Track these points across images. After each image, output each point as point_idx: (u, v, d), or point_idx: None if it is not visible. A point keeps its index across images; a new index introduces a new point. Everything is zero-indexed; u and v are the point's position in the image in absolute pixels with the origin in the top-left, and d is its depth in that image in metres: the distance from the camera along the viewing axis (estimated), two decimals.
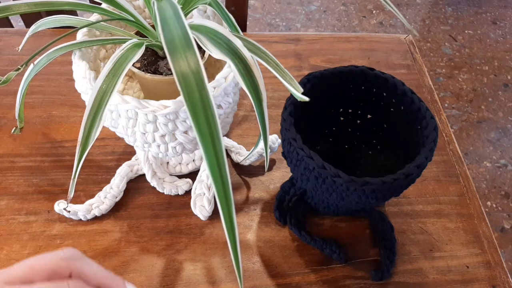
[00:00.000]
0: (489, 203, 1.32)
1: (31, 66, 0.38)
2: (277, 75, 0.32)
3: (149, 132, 0.39)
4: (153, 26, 0.42)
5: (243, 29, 0.80)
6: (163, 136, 0.40)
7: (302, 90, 0.30)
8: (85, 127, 0.32)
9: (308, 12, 1.93)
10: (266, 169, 0.54)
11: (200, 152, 0.36)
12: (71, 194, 0.34)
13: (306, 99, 0.29)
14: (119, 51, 0.35)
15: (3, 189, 0.50)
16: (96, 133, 0.32)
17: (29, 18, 0.78)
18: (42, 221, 0.48)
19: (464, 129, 1.50)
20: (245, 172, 0.54)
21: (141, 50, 0.35)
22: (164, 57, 0.43)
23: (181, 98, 0.29)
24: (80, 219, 0.48)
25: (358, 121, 0.50)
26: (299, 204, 0.49)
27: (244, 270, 0.45)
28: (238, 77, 0.32)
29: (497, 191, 1.35)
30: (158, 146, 0.41)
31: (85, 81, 0.39)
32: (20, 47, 0.40)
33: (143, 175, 0.51)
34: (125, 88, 0.50)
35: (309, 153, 0.37)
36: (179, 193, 0.50)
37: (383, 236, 0.47)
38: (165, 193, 0.50)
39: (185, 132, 0.40)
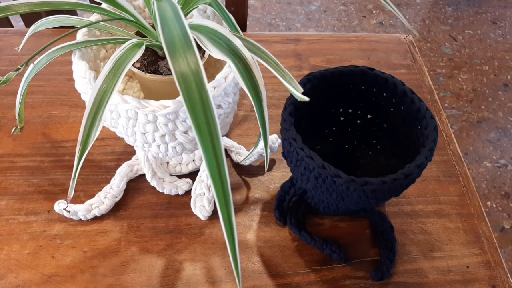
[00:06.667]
0: (489, 203, 1.32)
1: (31, 66, 0.38)
2: (277, 75, 0.32)
3: (149, 132, 0.39)
4: (153, 26, 0.42)
5: (243, 29, 0.80)
6: (163, 136, 0.40)
7: (302, 90, 0.30)
8: (85, 127, 0.32)
9: (308, 12, 1.93)
10: (266, 169, 0.54)
11: (200, 152, 0.36)
12: (71, 194, 0.34)
13: (306, 99, 0.29)
14: (119, 51, 0.35)
15: (3, 189, 0.50)
16: (96, 133, 0.32)
17: (29, 18, 0.78)
18: (42, 221, 0.48)
19: (464, 129, 1.50)
20: (245, 172, 0.54)
21: (141, 50, 0.35)
22: (164, 57, 0.43)
23: (180, 98, 0.29)
24: (80, 219, 0.48)
25: (358, 121, 0.50)
26: (299, 204, 0.49)
27: (244, 270, 0.46)
28: (238, 77, 0.32)
29: (497, 191, 1.35)
30: (158, 146, 0.41)
31: (85, 81, 0.39)
32: (20, 47, 0.40)
33: (143, 175, 0.51)
34: (125, 88, 0.50)
35: (309, 153, 0.37)
36: (179, 193, 0.50)
37: (383, 236, 0.47)
38: (165, 193, 0.50)
39: (185, 132, 0.40)
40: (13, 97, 0.59)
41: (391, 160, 0.48)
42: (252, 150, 0.46)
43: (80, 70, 0.39)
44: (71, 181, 0.33)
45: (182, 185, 0.50)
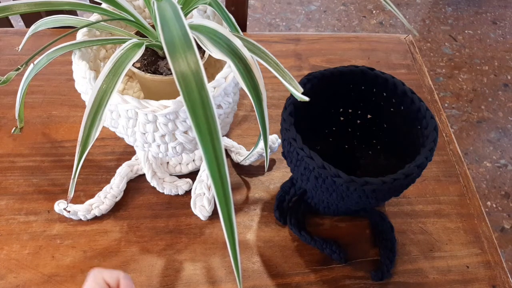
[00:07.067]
0: (489, 203, 1.32)
1: (31, 66, 0.38)
2: (277, 75, 0.32)
3: (149, 132, 0.39)
4: (153, 26, 0.42)
5: (243, 29, 0.80)
6: (163, 136, 0.40)
7: (302, 90, 0.30)
8: (85, 127, 0.32)
9: (308, 12, 1.93)
10: (266, 169, 0.54)
11: (200, 152, 0.36)
12: (71, 194, 0.34)
13: (306, 99, 0.29)
14: (119, 51, 0.35)
15: (3, 189, 0.50)
16: (96, 133, 0.32)
17: (29, 18, 0.78)
18: (42, 221, 0.48)
19: (464, 129, 1.50)
20: (245, 172, 0.54)
21: (141, 50, 0.35)
22: (164, 57, 0.43)
23: (180, 98, 0.29)
24: (80, 219, 0.48)
25: (358, 121, 0.50)
26: (299, 204, 0.49)
27: (244, 270, 0.45)
28: (238, 77, 0.32)
29: (497, 191, 1.35)
30: (158, 146, 0.41)
31: (85, 81, 0.39)
32: (20, 47, 0.40)
33: (143, 175, 0.51)
34: (125, 88, 0.50)
35: (309, 153, 0.37)
36: (179, 193, 0.50)
37: (383, 236, 0.47)
38: (165, 193, 0.50)
39: (185, 132, 0.40)
40: (13, 97, 0.59)
41: (391, 160, 0.48)
42: (252, 150, 0.46)
43: (80, 70, 0.39)
44: (71, 181, 0.33)
45: (182, 185, 0.50)
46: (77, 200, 0.49)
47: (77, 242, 0.46)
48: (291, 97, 0.41)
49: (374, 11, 1.95)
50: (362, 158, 0.51)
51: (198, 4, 0.40)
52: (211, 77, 0.48)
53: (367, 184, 0.36)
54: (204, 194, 0.49)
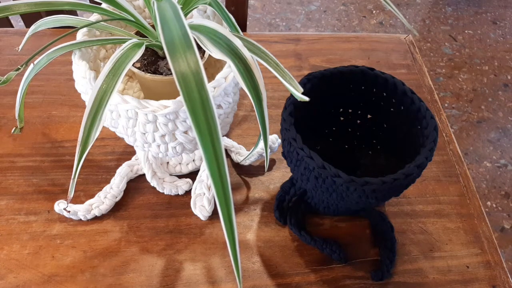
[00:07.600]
0: (489, 203, 1.32)
1: (31, 66, 0.38)
2: (277, 75, 0.32)
3: (149, 132, 0.39)
4: (153, 26, 0.42)
5: (243, 29, 0.80)
6: (163, 136, 0.40)
7: (302, 90, 0.30)
8: (85, 127, 0.32)
9: (308, 12, 1.93)
10: (266, 169, 0.54)
11: (200, 152, 0.36)
12: (71, 194, 0.34)
13: (306, 99, 0.29)
14: (119, 51, 0.35)
15: (3, 189, 0.50)
16: (96, 133, 0.32)
17: (29, 18, 0.78)
18: (42, 221, 0.48)
19: (464, 129, 1.50)
20: (245, 172, 0.54)
21: (141, 50, 0.35)
22: (164, 57, 0.43)
23: (180, 98, 0.29)
24: (80, 219, 0.48)
25: (358, 121, 0.50)
26: (299, 204, 0.49)
27: (244, 270, 0.46)
28: (238, 77, 0.32)
29: (497, 191, 1.35)
30: (158, 146, 0.41)
31: (85, 81, 0.39)
32: (20, 47, 0.40)
33: (143, 175, 0.51)
34: (125, 88, 0.50)
35: (309, 153, 0.37)
36: (179, 193, 0.50)
37: (383, 236, 0.47)
38: (165, 193, 0.50)
39: (185, 132, 0.40)
40: (13, 97, 0.59)
41: (391, 160, 0.48)
42: (252, 150, 0.46)
43: (80, 70, 0.39)
44: (71, 181, 0.33)
45: (182, 185, 0.50)
46: (77, 200, 0.49)
47: (77, 242, 0.46)
48: (291, 97, 0.41)
49: (374, 11, 1.95)
50: (362, 158, 0.51)
51: (198, 4, 0.40)
52: (211, 77, 0.48)
53: (367, 184, 0.36)
54: (204, 194, 0.49)
